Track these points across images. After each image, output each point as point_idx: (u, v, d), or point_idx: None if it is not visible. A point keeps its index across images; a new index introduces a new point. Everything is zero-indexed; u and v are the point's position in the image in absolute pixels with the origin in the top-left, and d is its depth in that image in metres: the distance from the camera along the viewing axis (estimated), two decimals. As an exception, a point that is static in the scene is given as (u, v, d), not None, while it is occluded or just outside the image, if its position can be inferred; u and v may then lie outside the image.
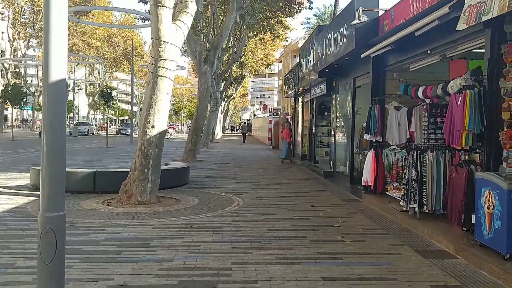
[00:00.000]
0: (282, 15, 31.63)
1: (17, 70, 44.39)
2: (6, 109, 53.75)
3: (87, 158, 17.78)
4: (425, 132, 7.39)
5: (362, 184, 9.13)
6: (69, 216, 7.03)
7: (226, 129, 75.20)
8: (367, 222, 7.14)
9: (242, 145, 32.62)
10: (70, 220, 6.75)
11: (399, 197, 7.27)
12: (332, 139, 13.46)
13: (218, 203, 8.49)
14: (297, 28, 52.73)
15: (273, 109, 67.52)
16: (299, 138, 20.42)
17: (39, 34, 49.86)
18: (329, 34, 11.28)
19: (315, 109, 16.11)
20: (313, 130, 16.35)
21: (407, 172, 6.83)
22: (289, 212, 7.78)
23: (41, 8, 43.36)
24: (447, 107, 6.49)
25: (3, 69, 43.81)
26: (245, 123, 60.80)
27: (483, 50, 6.81)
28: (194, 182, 11.34)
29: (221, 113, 56.41)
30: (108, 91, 27.03)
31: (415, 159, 6.65)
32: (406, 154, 6.95)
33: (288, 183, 11.76)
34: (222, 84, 38.61)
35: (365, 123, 11.76)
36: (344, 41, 9.81)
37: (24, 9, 45.88)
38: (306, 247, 5.57)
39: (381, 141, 8.83)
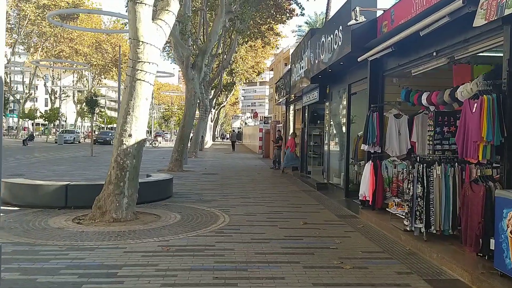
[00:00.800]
0: (273, 22, 31.14)
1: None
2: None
3: (68, 168, 16.88)
4: (431, 143, 6.69)
5: (359, 198, 8.40)
6: (30, 237, 6.23)
7: (217, 137, 74.37)
8: (366, 243, 6.40)
9: (231, 153, 31.83)
10: (31, 242, 5.94)
11: (402, 215, 6.54)
12: (326, 149, 12.74)
13: (202, 220, 7.70)
14: (288, 36, 52.19)
15: (264, 117, 66.92)
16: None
17: (26, 40, 49.02)
18: (323, 38, 10.61)
19: (307, 117, 15.42)
20: (305, 139, 15.64)
21: (411, 187, 6.12)
22: (280, 231, 7.02)
23: (27, 14, 42.52)
24: (457, 115, 5.81)
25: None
26: (233, 131, 59.66)
27: (492, 54, 6.20)
28: (178, 195, 10.53)
29: (211, 121, 55.71)
30: (93, 98, 26.08)
31: (420, 173, 5.94)
32: (411, 167, 6.23)
33: (279, 196, 11.00)
34: (212, 91, 37.92)
35: (362, 132, 11.12)
36: (339, 43, 9.14)
37: (10, 15, 44.87)
38: (300, 276, 4.80)
39: (380, 152, 8.12)
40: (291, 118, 19.21)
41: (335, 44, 9.43)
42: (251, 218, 7.95)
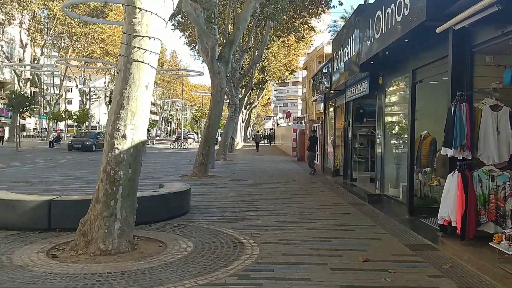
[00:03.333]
0: (307, 16, 28.93)
1: (30, 77, 42.72)
2: (24, 118, 52.51)
3: (83, 173, 15.16)
4: None
5: (439, 222, 6.09)
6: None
7: (248, 138, 72.47)
8: (471, 302, 4.13)
9: (263, 156, 29.65)
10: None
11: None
12: (379, 152, 10.41)
13: (221, 252, 5.60)
14: (322, 31, 49.47)
15: (297, 117, 64.50)
16: (329, 149, 17.38)
17: (56, 42, 48.54)
18: (379, 12, 8.33)
19: (352, 115, 13.10)
20: (349, 141, 13.34)
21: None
22: (333, 275, 4.82)
23: (55, 13, 41.85)
24: None
25: (16, 75, 42.28)
26: (258, 131, 58.20)
27: None
28: (196, 210, 8.50)
29: (242, 122, 53.85)
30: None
31: None
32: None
33: (323, 212, 8.77)
34: (243, 90, 35.96)
35: (426, 132, 8.77)
36: (406, 13, 6.85)
37: (40, 15, 44.45)
38: None
39: (470, 158, 5.80)
40: (331, 116, 16.91)
41: (399, 16, 7.14)
42: (289, 250, 5.78)
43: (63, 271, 4.76)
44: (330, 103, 17.18)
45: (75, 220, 5.77)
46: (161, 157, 26.20)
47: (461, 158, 5.78)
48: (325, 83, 15.28)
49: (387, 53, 8.50)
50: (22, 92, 31.75)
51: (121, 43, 5.89)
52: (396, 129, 9.86)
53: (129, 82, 5.57)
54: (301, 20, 29.15)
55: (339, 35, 13.24)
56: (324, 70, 15.98)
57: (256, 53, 25.35)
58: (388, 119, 10.16)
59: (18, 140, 29.67)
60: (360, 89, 11.30)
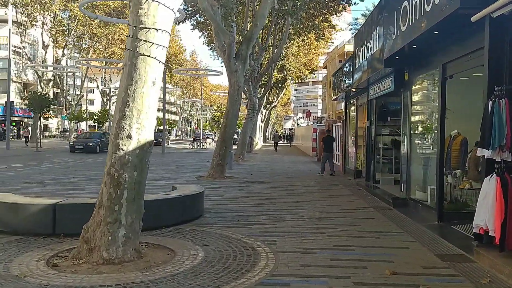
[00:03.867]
0: (328, 13, 28.32)
1: (51, 78, 43.17)
2: (46, 118, 53.19)
3: (100, 174, 14.94)
4: None
5: (474, 231, 5.51)
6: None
7: (268, 138, 71.96)
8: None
9: (282, 156, 29.12)
10: None
11: None
12: (404, 152, 9.79)
13: (234, 261, 5.15)
14: (343, 29, 48.51)
15: (317, 117, 63.69)
16: (351, 149, 16.78)
17: (78, 43, 49.00)
18: (405, 2, 7.76)
19: (375, 113, 12.49)
20: (372, 141, 12.73)
21: None
22: (357, 290, 4.33)
23: (76, 15, 42.19)
24: None
25: (38, 76, 42.80)
26: (276, 131, 58.01)
27: None
28: (210, 214, 8.08)
29: (262, 122, 53.40)
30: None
31: None
32: None
33: (344, 216, 8.23)
34: (261, 90, 35.50)
35: (455, 131, 8.16)
36: (436, 2, 6.28)
37: (61, 16, 44.93)
38: None
39: (510, 160, 5.20)
40: (352, 116, 16.31)
41: (428, 5, 6.57)
42: (308, 260, 5.29)
43: (60, 283, 4.38)
44: (351, 101, 16.58)
45: (81, 225, 5.39)
46: (179, 158, 25.96)
47: (499, 160, 5.19)
48: (346, 81, 14.71)
49: (414, 46, 7.92)
50: (43, 93, 31.95)
51: (126, 36, 5.50)
52: (423, 128, 9.25)
53: (135, 78, 5.17)
54: (321, 17, 28.54)
55: (362, 30, 12.65)
56: (345, 68, 15.40)
57: (275, 51, 24.81)
58: (415, 117, 9.55)
59: (39, 140, 29.92)
60: (384, 86, 10.71)
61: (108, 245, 5.02)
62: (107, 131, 37.53)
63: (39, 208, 6.24)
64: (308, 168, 19.05)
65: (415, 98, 9.54)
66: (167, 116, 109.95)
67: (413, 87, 9.43)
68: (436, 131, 8.08)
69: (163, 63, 5.40)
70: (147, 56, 5.18)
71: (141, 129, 5.21)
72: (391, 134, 12.34)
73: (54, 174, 14.65)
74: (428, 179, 8.69)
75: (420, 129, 9.40)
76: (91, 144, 27.41)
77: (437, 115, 7.99)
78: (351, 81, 13.72)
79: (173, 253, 5.47)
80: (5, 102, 31.47)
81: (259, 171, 17.57)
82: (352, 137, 16.32)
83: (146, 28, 5.15)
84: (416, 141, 9.44)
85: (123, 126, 5.15)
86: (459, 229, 6.86)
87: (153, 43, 5.19)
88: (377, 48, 10.00)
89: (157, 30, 5.19)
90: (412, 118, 9.50)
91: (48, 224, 6.17)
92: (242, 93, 18.82)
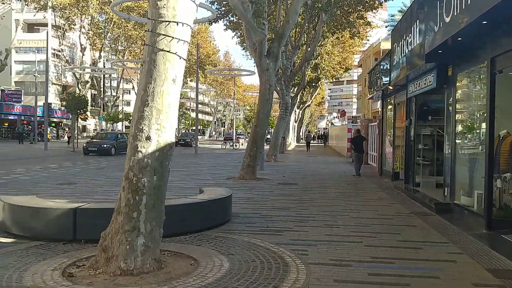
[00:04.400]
0: (363, 9, 27.48)
1: (89, 80, 44.10)
2: (84, 119, 54.45)
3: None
4: None
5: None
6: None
7: (301, 138, 71.13)
8: None
9: (315, 157, 28.45)
10: None
11: None
12: (448, 153, 9.08)
13: (261, 275, 4.70)
14: (379, 26, 47.08)
15: (352, 117, 62.37)
16: (388, 150, 16.02)
17: (114, 45, 49.93)
18: (450, -10, 7.10)
19: (414, 112, 11.76)
20: (411, 141, 12.01)
21: None
22: (399, 314, 3.80)
23: (112, 17, 42.92)
24: None
25: (75, 78, 43.80)
26: (309, 132, 56.95)
27: None
28: (239, 219, 7.68)
29: (295, 121, 52.74)
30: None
31: None
32: None
33: (382, 223, 7.64)
34: (295, 89, 34.93)
35: (504, 131, 7.43)
36: (487, -14, 5.63)
37: (98, 19, 45.83)
38: None
39: None
40: (390, 115, 15.56)
41: (477, -9, 5.92)
42: (343, 274, 4.79)
43: (74, 295, 4.07)
44: (388, 100, 15.83)
45: (102, 231, 5.11)
46: (210, 158, 25.80)
47: None
48: (383, 78, 14.00)
49: (459, 39, 7.24)
50: (80, 95, 32.58)
51: (145, 30, 5.16)
52: (469, 127, 8.52)
53: (154, 75, 4.81)
54: (356, 14, 27.72)
55: (400, 25, 11.94)
56: (382, 65, 14.69)
57: (309, 50, 24.22)
58: (459, 116, 8.83)
59: (76, 141, 30.47)
60: (425, 83, 10.01)
61: (126, 254, 4.69)
62: (124, 132, 37.18)
63: (59, 212, 6.01)
64: (343, 169, 18.38)
65: (460, 95, 8.82)
66: (200, 116, 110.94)
67: (458, 83, 8.71)
68: (484, 131, 7.37)
69: (184, 59, 5.02)
70: (167, 51, 4.81)
71: (161, 130, 4.85)
72: (432, 134, 11.58)
73: (86, 175, 14.66)
74: (474, 182, 7.97)
75: (465, 128, 8.67)
76: (105, 145, 25.56)
77: (485, 114, 7.28)
78: (388, 78, 13.02)
79: (196, 263, 5.09)
80: (43, 103, 32.22)
81: (291, 172, 17.08)
82: (389, 137, 15.58)
83: (166, 21, 4.79)
84: (461, 142, 8.72)
85: (142, 127, 4.80)
86: (511, 239, 6.16)
87: (173, 37, 4.81)
88: (417, 43, 9.33)
89: (177, 24, 4.82)
90: (457, 117, 8.78)
91: (69, 230, 5.92)
92: (274, 93, 18.38)
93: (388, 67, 12.97)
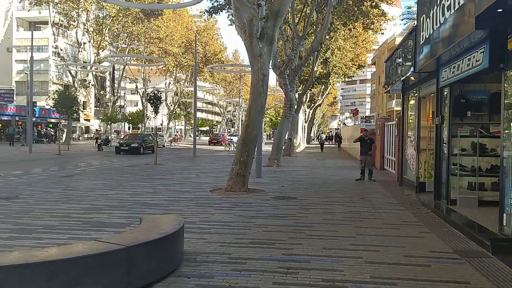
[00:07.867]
0: (377, -3, 24.78)
1: (85, 78, 41.87)
2: (78, 120, 52.13)
3: (123, 179, 12.24)
4: None
5: None
6: None
7: (313, 139, 68.07)
8: None
9: (324, 160, 25.49)
10: None
11: None
12: (507, 163, 6.21)
13: None
14: (395, 18, 43.76)
15: (365, 116, 59.31)
16: (409, 151, 13.10)
17: (114, 44, 47.68)
18: None
19: (449, 107, 8.92)
20: (443, 144, 9.19)
21: None
22: None
23: (109, 13, 40.70)
24: None
25: (71, 76, 41.63)
26: (322, 133, 54.73)
27: None
28: (192, 266, 4.98)
29: (305, 122, 49.86)
30: (157, 94, 21.78)
31: None
32: None
33: (416, 276, 4.86)
34: (303, 86, 32.13)
35: None
36: None
37: (96, 14, 43.68)
38: None
39: None
40: (413, 110, 12.69)
41: None
42: None
43: None
44: (410, 94, 12.98)
45: None
46: (207, 162, 23.14)
47: None
48: (406, 63, 11.18)
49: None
50: (68, 93, 30.16)
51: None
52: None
53: None
54: (370, 3, 24.91)
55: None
56: (403, 48, 11.83)
57: (316, 38, 21.38)
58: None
59: (66, 141, 28.16)
60: (468, 64, 7.16)
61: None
62: (151, 132, 35.68)
63: (108, 253, 3.35)
64: (355, 176, 15.54)
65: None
66: (209, 116, 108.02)
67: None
68: None
69: None
70: None
71: None
72: (473, 135, 8.75)
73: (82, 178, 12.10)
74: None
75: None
76: (134, 145, 28.99)
77: None
78: (412, 63, 10.18)
79: None
80: (44, 104, 29.80)
81: (293, 181, 14.31)
82: (411, 139, 12.71)
83: None
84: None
85: None
86: None
87: None
88: (461, 3, 6.51)
89: None
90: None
91: (122, 273, 3.29)
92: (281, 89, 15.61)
93: (413, 49, 10.13)
